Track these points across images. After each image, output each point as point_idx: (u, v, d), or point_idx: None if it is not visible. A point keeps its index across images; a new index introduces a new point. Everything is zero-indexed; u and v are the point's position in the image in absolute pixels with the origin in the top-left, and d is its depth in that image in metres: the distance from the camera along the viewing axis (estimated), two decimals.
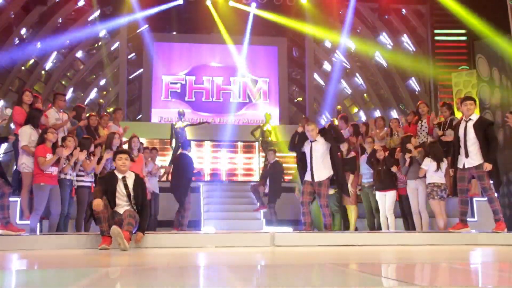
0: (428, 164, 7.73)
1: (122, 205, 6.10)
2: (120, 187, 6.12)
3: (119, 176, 6.17)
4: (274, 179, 9.87)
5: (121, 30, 16.39)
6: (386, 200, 8.14)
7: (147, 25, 16.62)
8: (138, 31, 16.74)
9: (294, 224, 9.79)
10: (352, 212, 8.72)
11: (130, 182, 6.17)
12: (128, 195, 6.11)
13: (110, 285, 3.06)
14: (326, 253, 5.56)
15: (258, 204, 10.23)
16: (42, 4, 14.55)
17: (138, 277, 3.34)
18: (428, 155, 7.80)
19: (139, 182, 6.28)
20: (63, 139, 7.62)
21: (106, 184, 6.15)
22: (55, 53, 16.15)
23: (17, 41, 15.10)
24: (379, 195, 8.21)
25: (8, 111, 11.25)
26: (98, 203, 5.83)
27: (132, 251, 5.62)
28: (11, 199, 7.12)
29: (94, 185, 7.80)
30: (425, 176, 7.79)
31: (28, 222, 7.23)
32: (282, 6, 15.89)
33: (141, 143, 9.31)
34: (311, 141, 7.62)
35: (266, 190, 9.94)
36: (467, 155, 6.93)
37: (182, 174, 9.23)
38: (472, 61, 12.24)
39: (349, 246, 6.46)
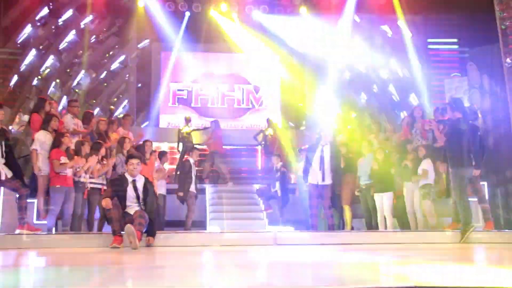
0: (428, 166, 7.79)
1: (132, 206, 6.14)
2: (130, 189, 6.18)
3: (129, 179, 6.22)
4: (284, 184, 9.81)
5: (131, 40, 16.46)
6: (384, 201, 8.14)
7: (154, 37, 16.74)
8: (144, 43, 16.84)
9: (296, 223, 9.77)
10: (346, 212, 8.71)
11: (140, 185, 6.23)
12: (137, 197, 6.17)
13: (122, 282, 3.09)
14: (325, 251, 5.57)
15: (264, 206, 10.22)
16: (57, 18, 14.66)
17: (149, 275, 3.36)
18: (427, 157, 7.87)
19: (148, 185, 6.33)
20: (79, 144, 7.67)
21: (117, 186, 6.20)
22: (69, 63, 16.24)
23: (34, 52, 15.19)
24: (377, 196, 8.21)
25: (26, 118, 11.31)
26: (107, 202, 5.89)
27: (142, 250, 5.65)
28: (28, 200, 7.17)
29: (105, 187, 7.84)
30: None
31: (44, 222, 7.28)
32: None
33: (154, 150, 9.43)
34: (323, 145, 7.81)
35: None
36: None
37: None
38: (464, 68, 12.26)
39: (348, 244, 6.47)
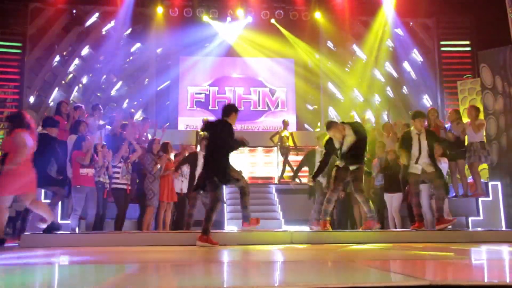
0: (444, 165, 7.79)
1: None
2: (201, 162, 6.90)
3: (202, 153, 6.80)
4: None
5: (150, 46, 16.68)
6: (393, 201, 8.17)
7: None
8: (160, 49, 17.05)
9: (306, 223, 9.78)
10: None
11: None
12: None
13: (141, 279, 3.22)
14: (338, 250, 5.63)
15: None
16: (80, 25, 14.96)
17: (165, 273, 3.47)
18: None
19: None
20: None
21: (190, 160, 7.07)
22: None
23: (58, 58, 15.52)
24: (387, 196, 8.25)
25: None
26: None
27: (160, 248, 5.75)
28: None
29: (129, 187, 8.05)
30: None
31: (68, 221, 7.48)
32: (298, 21, 15.97)
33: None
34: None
35: None
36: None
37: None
38: (476, 70, 12.19)
39: (360, 243, 6.52)
